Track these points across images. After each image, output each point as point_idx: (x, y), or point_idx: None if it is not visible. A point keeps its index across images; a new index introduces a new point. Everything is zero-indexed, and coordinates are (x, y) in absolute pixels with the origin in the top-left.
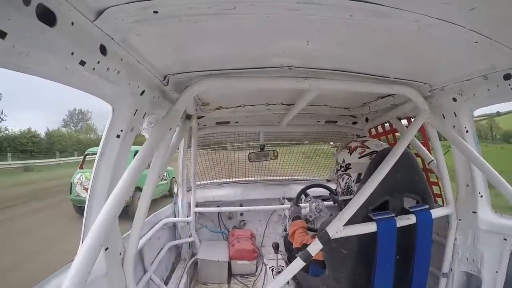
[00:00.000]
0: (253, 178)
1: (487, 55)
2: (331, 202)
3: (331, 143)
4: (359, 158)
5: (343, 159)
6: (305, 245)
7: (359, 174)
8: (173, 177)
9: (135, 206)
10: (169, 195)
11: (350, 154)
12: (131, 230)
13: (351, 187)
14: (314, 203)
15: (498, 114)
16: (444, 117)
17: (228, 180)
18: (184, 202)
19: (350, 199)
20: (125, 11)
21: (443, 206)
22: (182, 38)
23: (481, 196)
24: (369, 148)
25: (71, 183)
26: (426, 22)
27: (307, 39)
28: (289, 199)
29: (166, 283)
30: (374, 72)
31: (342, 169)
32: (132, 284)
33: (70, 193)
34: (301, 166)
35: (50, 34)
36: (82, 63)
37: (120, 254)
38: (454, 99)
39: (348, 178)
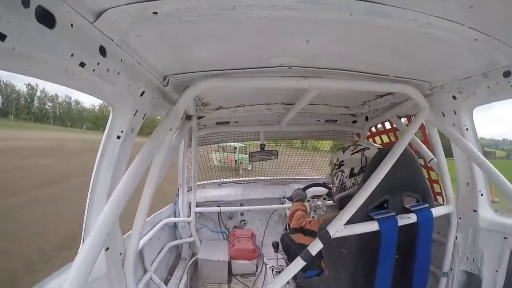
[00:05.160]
0: (253, 178)
1: (487, 52)
2: (330, 202)
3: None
4: (351, 154)
5: (337, 158)
6: (301, 228)
7: (352, 169)
8: None
9: None
10: None
11: (343, 153)
12: (132, 230)
13: (345, 183)
14: (312, 202)
15: None
16: (444, 115)
17: (228, 180)
18: (185, 202)
19: (346, 195)
20: (125, 12)
21: (443, 204)
22: (182, 38)
23: (482, 195)
24: (361, 145)
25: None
26: (425, 20)
27: (307, 38)
28: (290, 199)
29: (166, 283)
30: (373, 70)
31: (336, 167)
32: (132, 284)
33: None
34: (301, 167)
35: (49, 36)
36: (82, 64)
37: (121, 254)
38: (454, 97)
39: (341, 175)
